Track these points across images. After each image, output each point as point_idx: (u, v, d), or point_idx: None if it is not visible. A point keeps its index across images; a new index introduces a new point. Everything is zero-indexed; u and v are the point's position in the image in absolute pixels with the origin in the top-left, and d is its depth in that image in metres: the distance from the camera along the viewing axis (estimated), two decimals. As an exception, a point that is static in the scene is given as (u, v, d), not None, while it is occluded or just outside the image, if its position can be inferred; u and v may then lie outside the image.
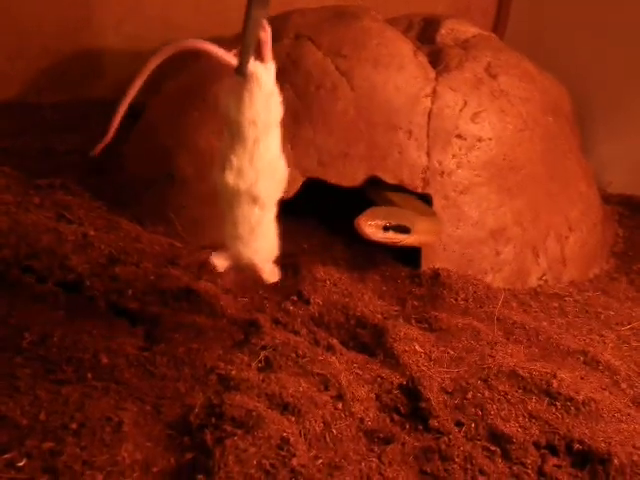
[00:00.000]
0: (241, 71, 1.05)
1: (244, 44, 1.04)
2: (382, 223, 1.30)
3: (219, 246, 1.11)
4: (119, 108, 1.15)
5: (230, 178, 1.08)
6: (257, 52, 1.06)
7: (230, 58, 1.07)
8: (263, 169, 1.09)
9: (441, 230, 1.41)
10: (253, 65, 1.05)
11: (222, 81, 1.10)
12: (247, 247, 1.11)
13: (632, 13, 1.88)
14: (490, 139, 1.47)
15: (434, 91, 1.46)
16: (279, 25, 1.55)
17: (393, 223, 1.31)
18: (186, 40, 1.14)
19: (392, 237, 1.32)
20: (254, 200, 1.09)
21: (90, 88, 2.05)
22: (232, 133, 1.08)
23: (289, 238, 1.42)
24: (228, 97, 1.08)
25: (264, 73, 1.06)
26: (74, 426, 0.93)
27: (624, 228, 1.75)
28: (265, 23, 1.05)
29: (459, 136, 1.46)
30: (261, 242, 1.12)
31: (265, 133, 1.07)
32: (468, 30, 1.62)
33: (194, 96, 1.52)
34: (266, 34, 1.06)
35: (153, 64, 1.12)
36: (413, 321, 1.26)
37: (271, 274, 1.14)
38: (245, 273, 1.15)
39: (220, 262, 1.11)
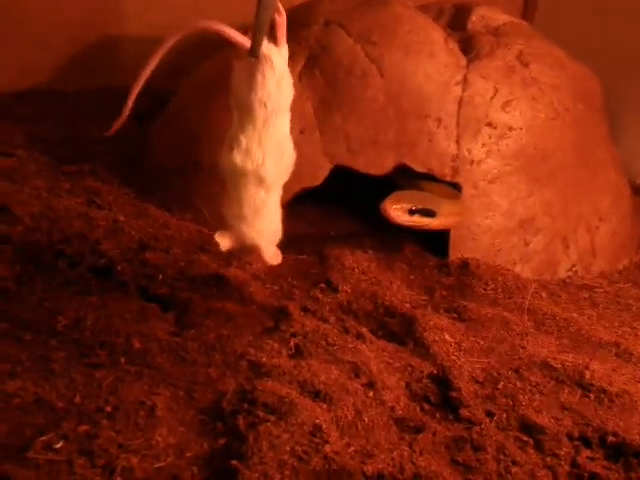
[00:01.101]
0: (254, 52, 1.06)
1: (256, 25, 1.05)
2: (408, 206, 1.30)
3: (223, 226, 1.11)
4: (133, 89, 1.16)
5: (238, 158, 1.10)
6: (271, 35, 1.07)
7: (243, 40, 1.09)
8: (271, 151, 1.10)
9: (465, 213, 1.41)
10: (266, 47, 1.06)
11: (234, 62, 1.10)
12: (251, 228, 1.13)
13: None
14: (521, 128, 1.46)
15: (465, 79, 1.45)
16: (309, 12, 1.55)
17: (419, 207, 1.32)
18: (200, 21, 1.18)
19: (418, 220, 1.33)
20: (260, 181, 1.11)
21: (115, 76, 2.05)
22: (242, 114, 1.10)
23: (317, 225, 1.43)
24: (240, 78, 1.09)
25: (277, 55, 1.07)
26: (109, 409, 0.93)
27: (654, 220, 1.73)
28: (280, 6, 1.07)
29: (489, 124, 1.45)
30: (265, 224, 1.14)
31: (275, 115, 1.08)
32: (499, 17, 1.61)
33: (222, 82, 1.51)
34: (281, 17, 1.08)
35: (168, 45, 1.14)
36: (442, 310, 1.25)
37: (273, 256, 1.18)
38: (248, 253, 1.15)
39: (224, 242, 1.14)
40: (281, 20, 1.08)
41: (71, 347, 1.05)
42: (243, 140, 1.09)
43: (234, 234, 1.14)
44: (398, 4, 1.53)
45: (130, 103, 1.17)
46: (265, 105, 1.08)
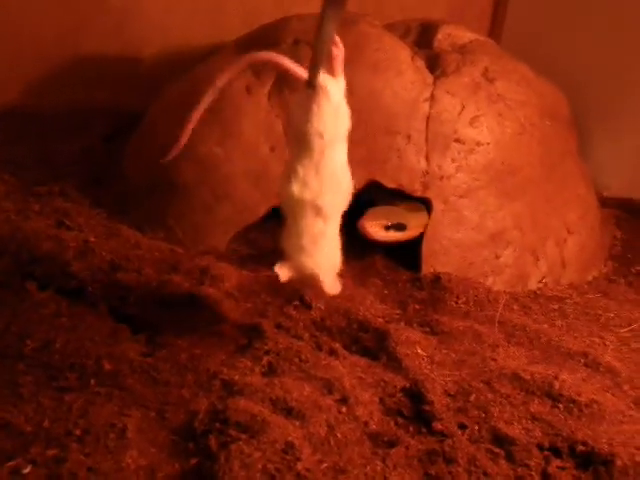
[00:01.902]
0: (311, 84, 1.08)
1: (315, 57, 1.08)
2: (384, 223, 1.39)
3: (284, 257, 1.12)
4: (193, 115, 1.18)
5: (295, 188, 1.10)
6: (328, 66, 1.09)
7: (301, 71, 1.11)
8: (328, 181, 1.10)
9: (427, 221, 1.44)
10: (323, 78, 1.08)
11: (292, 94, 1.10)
12: (310, 258, 1.12)
13: (628, 17, 1.89)
14: (488, 143, 1.48)
15: (432, 96, 1.47)
16: (278, 30, 1.56)
17: (394, 222, 1.40)
18: (262, 53, 1.21)
19: (393, 235, 1.41)
20: (318, 211, 1.10)
21: (90, 95, 2.04)
22: (299, 144, 1.10)
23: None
24: (298, 109, 1.10)
25: (333, 86, 1.09)
26: (78, 433, 0.93)
27: (622, 231, 1.75)
28: (337, 38, 1.09)
29: (458, 140, 1.46)
30: (324, 254, 1.13)
31: (331, 145, 1.10)
32: (465, 35, 1.63)
33: (194, 102, 1.52)
34: (338, 49, 1.10)
35: (229, 74, 1.16)
36: (415, 324, 1.26)
37: (332, 286, 1.16)
38: (304, 283, 1.16)
39: (283, 272, 1.11)
40: (338, 52, 1.10)
41: (39, 371, 1.04)
42: (300, 170, 1.10)
43: (293, 265, 1.12)
44: (365, 23, 1.55)
45: (188, 133, 1.19)
46: (322, 136, 1.08)
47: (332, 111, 1.09)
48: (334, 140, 1.10)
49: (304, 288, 1.26)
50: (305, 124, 1.08)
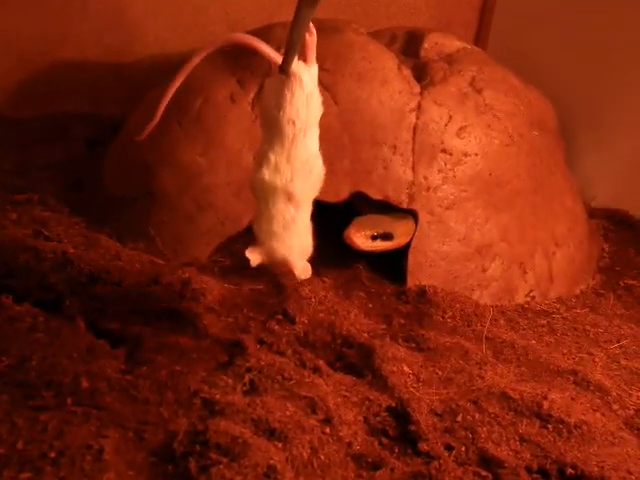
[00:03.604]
0: (284, 70, 1.10)
1: (289, 43, 1.08)
2: (370, 233, 1.36)
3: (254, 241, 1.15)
4: (163, 99, 1.19)
5: (267, 174, 1.11)
6: (301, 53, 1.11)
7: (276, 56, 1.13)
8: (299, 167, 1.12)
9: (413, 229, 1.43)
10: (296, 65, 1.09)
11: (267, 78, 1.15)
12: (281, 243, 1.14)
13: (614, 27, 1.88)
14: (476, 154, 1.46)
15: (419, 106, 1.45)
16: (261, 38, 1.53)
17: (380, 232, 1.37)
18: (234, 35, 1.24)
19: (379, 245, 1.39)
20: (289, 197, 1.12)
21: (70, 100, 2.01)
22: (271, 131, 1.12)
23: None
24: (269, 94, 1.12)
25: (306, 74, 1.10)
26: (53, 455, 0.89)
27: (610, 243, 1.75)
28: (312, 26, 1.10)
29: (444, 151, 1.44)
30: (295, 239, 1.15)
31: (303, 132, 1.11)
32: (452, 44, 1.61)
33: (177, 110, 1.49)
34: (312, 37, 1.12)
35: (199, 57, 1.18)
36: (400, 340, 1.24)
37: (303, 271, 1.17)
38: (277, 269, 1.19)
39: (254, 257, 1.14)
40: (312, 40, 1.11)
41: (14, 389, 1.00)
42: (272, 157, 1.11)
43: (265, 250, 1.14)
44: (350, 31, 1.52)
45: (161, 110, 1.21)
46: (293, 122, 1.10)
47: (304, 98, 1.10)
48: (306, 127, 1.11)
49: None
50: (277, 110, 1.10)
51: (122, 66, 2.00)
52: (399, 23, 1.83)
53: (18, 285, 1.23)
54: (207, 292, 1.29)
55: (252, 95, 1.45)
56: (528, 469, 0.96)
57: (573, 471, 0.95)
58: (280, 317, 1.25)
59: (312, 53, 1.12)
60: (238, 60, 1.49)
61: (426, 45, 1.58)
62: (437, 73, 1.50)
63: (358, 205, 1.47)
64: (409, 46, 1.61)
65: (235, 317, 1.26)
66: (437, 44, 1.60)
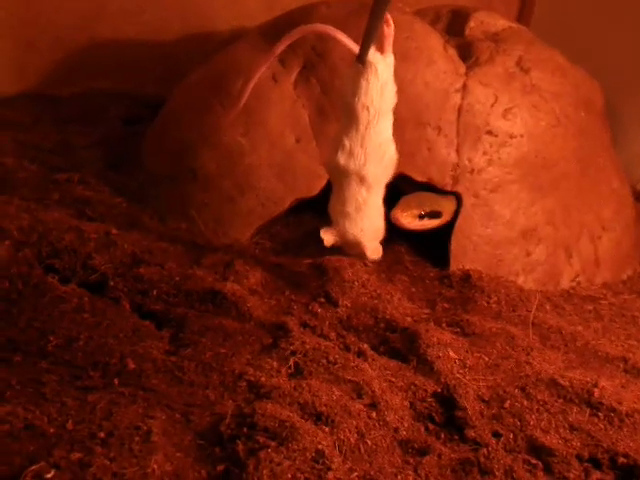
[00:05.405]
0: (361, 59, 1.16)
1: (367, 34, 1.15)
2: (417, 212, 1.35)
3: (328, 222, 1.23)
4: (252, 78, 1.26)
5: (342, 159, 1.19)
6: (378, 44, 1.17)
7: (354, 46, 1.19)
8: (372, 152, 1.19)
9: (456, 208, 1.42)
10: (372, 55, 1.16)
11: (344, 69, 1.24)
12: (353, 224, 1.22)
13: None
14: (522, 136, 1.43)
15: (464, 86, 1.42)
16: (305, 17, 1.51)
17: (427, 210, 1.36)
18: (317, 24, 1.30)
19: (427, 223, 1.37)
20: (362, 181, 1.20)
21: (108, 79, 2.01)
22: (347, 117, 1.19)
23: (314, 236, 1.40)
24: (348, 83, 1.19)
25: (381, 63, 1.17)
26: (102, 435, 0.89)
27: (656, 227, 1.70)
28: (389, 17, 1.17)
29: (490, 132, 1.42)
30: (367, 221, 1.22)
31: (377, 119, 1.18)
32: (498, 22, 1.58)
33: (219, 90, 1.48)
34: (389, 28, 1.18)
35: (284, 44, 1.25)
36: (444, 325, 1.22)
37: (374, 251, 1.26)
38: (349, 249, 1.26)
39: (328, 237, 1.23)
40: (389, 31, 1.17)
41: (62, 369, 1.01)
42: (347, 142, 1.18)
43: (338, 230, 1.23)
44: (395, 9, 1.48)
45: (245, 97, 1.29)
46: (368, 109, 1.16)
47: (379, 87, 1.16)
48: (379, 114, 1.17)
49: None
50: (353, 98, 1.16)
51: (161, 44, 2.00)
52: (441, 1, 1.79)
53: (63, 266, 1.24)
54: (250, 274, 1.29)
55: (294, 75, 1.44)
56: (579, 458, 0.94)
57: (625, 460, 0.93)
58: (322, 300, 1.25)
59: (389, 43, 1.17)
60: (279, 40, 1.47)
61: (471, 24, 1.55)
62: (483, 53, 1.47)
63: (402, 185, 1.45)
64: (453, 25, 1.58)
65: (277, 299, 1.26)
66: (482, 23, 1.57)
